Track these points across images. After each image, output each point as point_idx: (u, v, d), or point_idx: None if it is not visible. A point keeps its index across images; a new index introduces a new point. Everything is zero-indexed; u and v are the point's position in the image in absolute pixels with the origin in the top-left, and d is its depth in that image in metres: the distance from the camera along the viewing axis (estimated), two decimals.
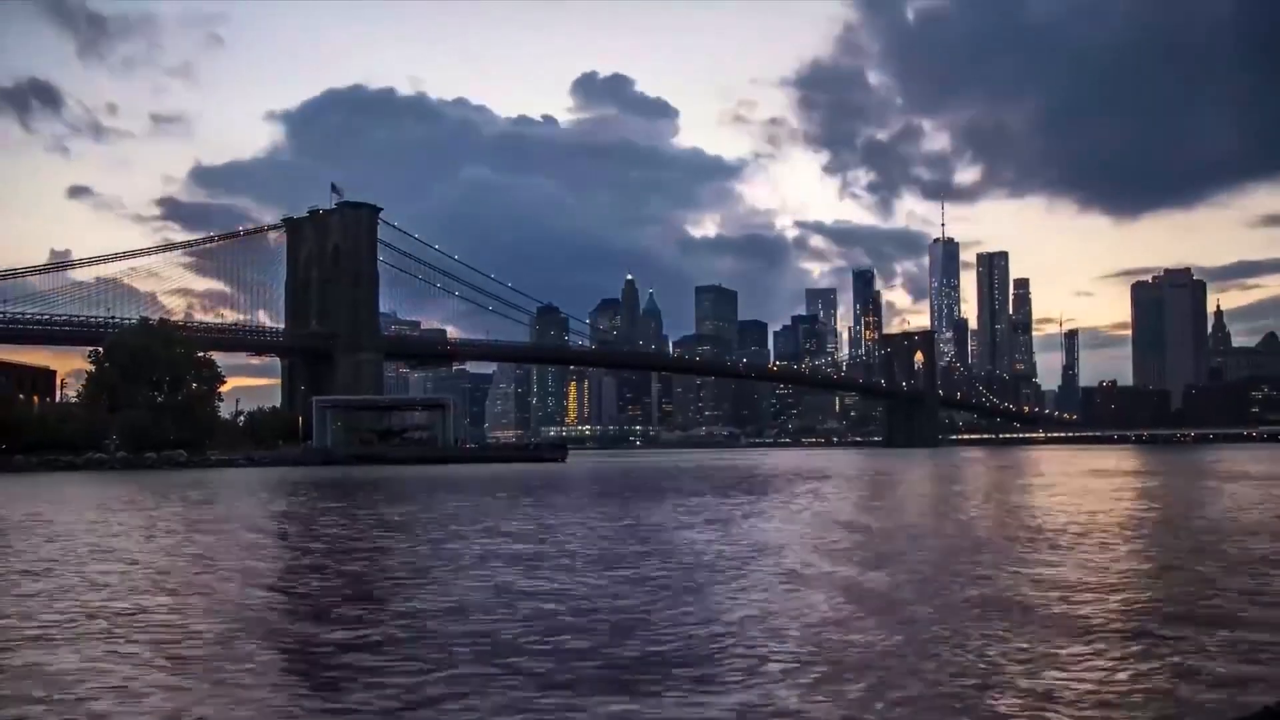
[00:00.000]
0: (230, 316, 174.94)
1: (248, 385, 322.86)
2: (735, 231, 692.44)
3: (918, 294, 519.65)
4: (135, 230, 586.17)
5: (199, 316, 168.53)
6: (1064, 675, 9.69)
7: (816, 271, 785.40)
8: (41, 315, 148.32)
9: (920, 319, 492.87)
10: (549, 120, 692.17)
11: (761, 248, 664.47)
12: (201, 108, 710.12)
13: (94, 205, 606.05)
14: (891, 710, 8.55)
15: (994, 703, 8.80)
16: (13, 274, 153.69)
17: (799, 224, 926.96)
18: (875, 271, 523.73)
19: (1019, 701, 8.81)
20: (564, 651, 10.90)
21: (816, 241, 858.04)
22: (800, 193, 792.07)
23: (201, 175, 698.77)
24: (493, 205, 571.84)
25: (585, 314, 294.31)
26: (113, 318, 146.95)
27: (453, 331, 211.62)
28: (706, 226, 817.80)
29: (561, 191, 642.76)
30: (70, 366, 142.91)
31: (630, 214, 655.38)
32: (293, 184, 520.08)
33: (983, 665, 10.17)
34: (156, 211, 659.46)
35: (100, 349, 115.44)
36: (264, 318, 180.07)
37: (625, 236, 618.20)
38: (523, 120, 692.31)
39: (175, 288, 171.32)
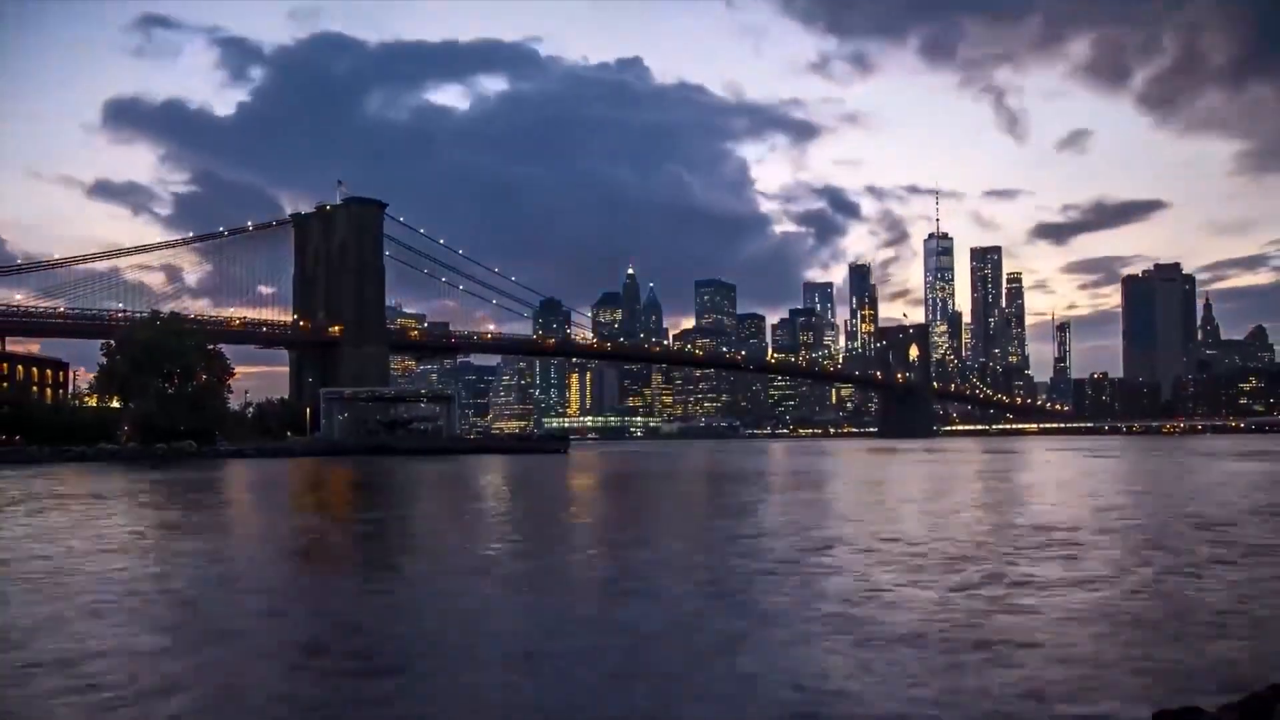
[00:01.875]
0: (239, 310, 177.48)
1: (256, 372, 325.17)
2: (801, 192, 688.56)
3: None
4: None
5: (208, 311, 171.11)
6: None
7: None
8: (54, 308, 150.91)
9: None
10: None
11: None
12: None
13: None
14: None
15: None
16: (19, 268, 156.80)
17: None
18: (871, 266, 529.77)
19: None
20: None
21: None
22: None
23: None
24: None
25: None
26: (124, 310, 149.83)
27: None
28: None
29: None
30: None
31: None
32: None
33: None
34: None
35: (111, 342, 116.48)
36: (271, 310, 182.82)
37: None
38: None
39: (182, 282, 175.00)
